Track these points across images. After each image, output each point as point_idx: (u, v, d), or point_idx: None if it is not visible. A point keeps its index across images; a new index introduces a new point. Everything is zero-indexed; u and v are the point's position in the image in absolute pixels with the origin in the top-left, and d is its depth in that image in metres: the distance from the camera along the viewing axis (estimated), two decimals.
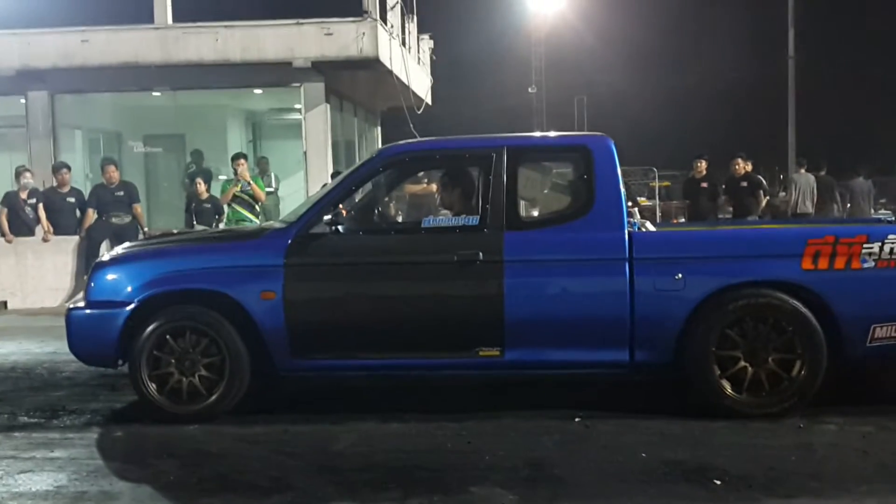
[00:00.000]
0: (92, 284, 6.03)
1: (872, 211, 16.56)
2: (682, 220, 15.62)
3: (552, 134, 7.79)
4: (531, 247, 5.74)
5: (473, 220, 5.89)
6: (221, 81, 15.18)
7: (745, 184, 13.62)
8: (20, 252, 12.05)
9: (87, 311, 5.97)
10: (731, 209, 13.99)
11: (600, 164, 5.84)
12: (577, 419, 5.67)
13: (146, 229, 12.53)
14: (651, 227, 6.90)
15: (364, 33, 14.17)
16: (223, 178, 14.66)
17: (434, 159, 6.63)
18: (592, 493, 4.46)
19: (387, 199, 6.66)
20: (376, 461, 5.01)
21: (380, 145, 20.63)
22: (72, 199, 12.40)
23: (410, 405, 6.12)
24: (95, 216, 12.27)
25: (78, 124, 16.79)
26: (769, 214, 14.95)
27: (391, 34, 15.60)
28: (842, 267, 5.50)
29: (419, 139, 7.53)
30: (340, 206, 5.97)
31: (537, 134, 6.89)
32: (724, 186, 13.95)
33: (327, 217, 5.83)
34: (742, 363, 5.57)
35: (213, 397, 5.81)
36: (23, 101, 15.28)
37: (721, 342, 5.57)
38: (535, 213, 6.53)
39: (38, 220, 12.21)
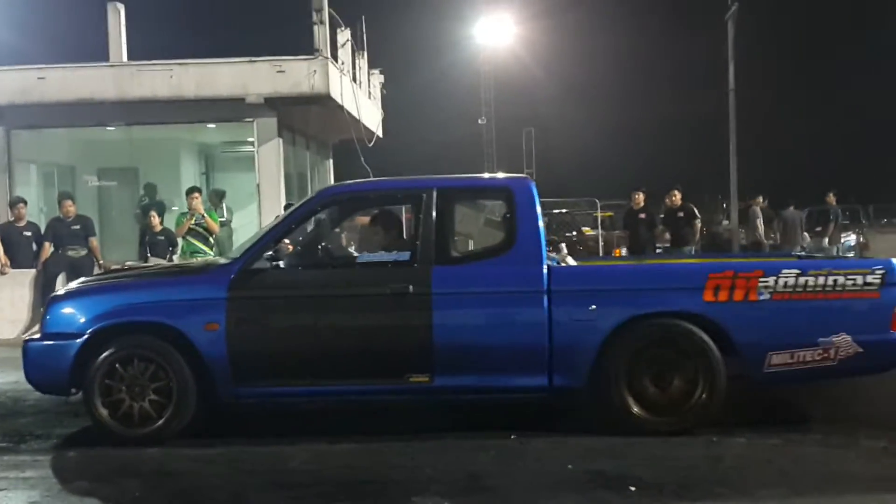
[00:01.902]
0: (47, 317, 6.44)
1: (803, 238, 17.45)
2: (623, 249, 16.24)
3: (479, 176, 8.33)
4: (458, 280, 6.24)
5: (405, 255, 6.39)
6: (176, 116, 15.48)
7: (681, 214, 14.30)
8: None
9: (43, 342, 6.37)
10: (668, 238, 14.65)
11: (521, 204, 6.37)
12: (512, 437, 6.15)
13: (101, 262, 12.79)
14: (572, 262, 7.41)
15: (315, 71, 14.62)
16: (176, 209, 15.01)
17: (369, 199, 7.13)
18: (521, 500, 4.96)
19: (326, 235, 7.11)
20: (326, 477, 5.45)
21: (332, 177, 21.12)
22: (28, 233, 12.61)
23: (359, 427, 6.57)
24: (52, 249, 12.49)
25: (33, 158, 16.95)
26: (706, 243, 15.66)
27: (342, 71, 16.10)
28: (740, 299, 6.06)
29: (356, 181, 8.01)
30: (283, 242, 6.45)
31: (465, 175, 7.42)
32: (661, 217, 14.65)
33: (268, 253, 6.28)
34: (649, 386, 6.08)
35: (162, 420, 6.18)
36: None
37: (630, 367, 6.08)
38: (463, 249, 7.04)
39: None
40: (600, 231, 19.45)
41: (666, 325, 6.12)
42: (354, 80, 18.29)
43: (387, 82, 22.93)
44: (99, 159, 18.01)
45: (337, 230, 8.12)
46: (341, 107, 15.95)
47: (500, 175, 7.94)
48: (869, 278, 6.06)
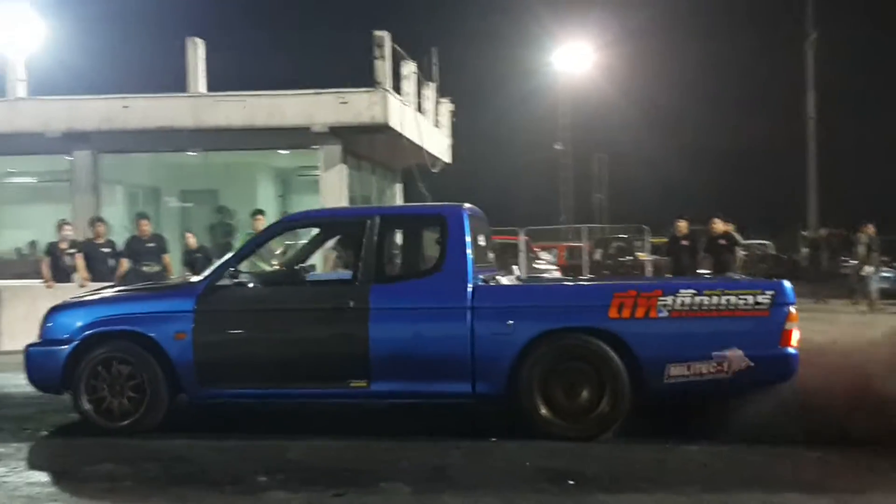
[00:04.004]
0: (45, 326, 7.44)
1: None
2: (669, 275, 16.64)
3: (415, 205, 9.15)
4: (393, 296, 6.98)
5: (348, 274, 7.17)
6: (248, 143, 16.65)
7: (722, 241, 14.66)
8: (60, 297, 13.39)
9: (40, 347, 7.38)
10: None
11: (453, 229, 7.07)
12: (493, 440, 6.81)
13: (173, 277, 13.91)
14: (504, 280, 7.94)
15: (375, 102, 15.61)
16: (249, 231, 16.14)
17: (322, 225, 8.08)
18: (471, 487, 5.67)
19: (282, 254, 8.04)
20: (315, 465, 6.25)
21: (399, 199, 22.07)
22: (107, 250, 13.77)
23: (358, 426, 7.36)
24: (129, 265, 13.66)
25: (119, 180, 18.43)
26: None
27: (403, 101, 17.02)
28: (642, 316, 6.62)
29: (315, 209, 8.97)
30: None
31: (403, 204, 8.37)
32: (704, 244, 15.03)
33: (231, 270, 7.15)
34: (560, 395, 6.65)
35: (138, 415, 7.07)
36: (69, 158, 16.89)
37: (543, 377, 6.66)
38: (399, 269, 7.76)
39: (75, 269, 13.63)
40: (648, 257, 19.87)
41: (574, 340, 6.72)
42: (420, 109, 19.24)
43: (465, 110, 23.88)
44: (181, 182, 19.42)
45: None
46: (401, 135, 16.87)
47: (436, 204, 8.72)
48: (759, 298, 6.56)
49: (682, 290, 6.64)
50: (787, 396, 7.00)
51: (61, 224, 13.96)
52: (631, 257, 20.72)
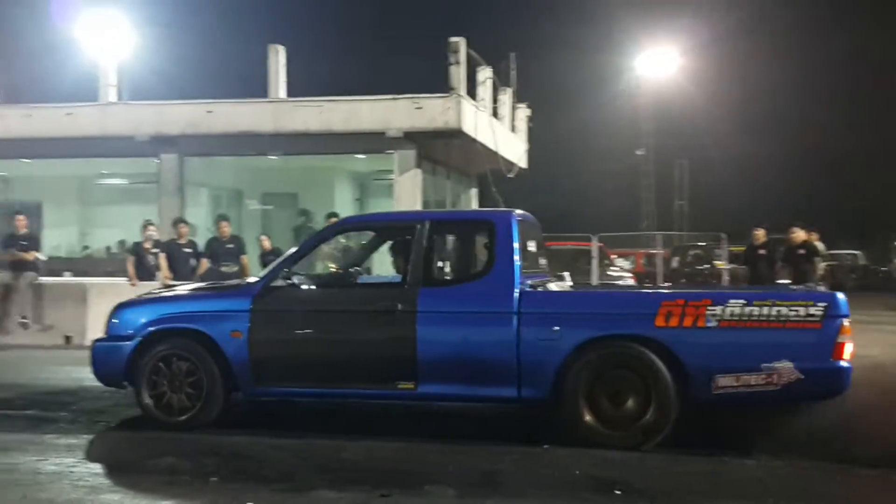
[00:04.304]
0: (110, 322, 7.72)
1: None
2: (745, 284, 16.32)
3: (465, 210, 9.16)
4: (440, 300, 7.04)
5: (398, 277, 7.23)
6: (325, 148, 16.99)
7: (802, 251, 14.32)
8: None
9: (105, 342, 7.67)
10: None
11: (501, 235, 7.09)
12: (545, 447, 6.81)
13: (251, 278, 14.26)
14: (553, 287, 7.84)
15: (449, 107, 15.72)
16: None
17: (375, 228, 8.20)
18: (516, 493, 5.68)
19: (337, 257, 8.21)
20: (367, 466, 6.36)
21: (475, 204, 22.15)
22: (189, 250, 14.23)
23: (416, 428, 7.45)
24: (208, 265, 14.08)
25: (204, 183, 19.00)
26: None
27: (478, 107, 17.10)
28: (689, 325, 6.52)
29: (366, 213, 9.17)
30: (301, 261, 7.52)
31: (453, 210, 8.43)
32: (783, 253, 14.69)
33: (285, 272, 7.29)
34: (605, 402, 6.63)
35: (195, 410, 7.29)
36: (156, 161, 17.49)
37: (588, 384, 6.65)
38: (447, 273, 7.79)
39: (159, 268, 14.12)
40: (725, 265, 19.48)
41: (620, 347, 6.67)
42: (496, 114, 19.29)
43: (546, 116, 23.83)
44: (263, 185, 19.91)
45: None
46: (475, 140, 16.95)
47: (485, 209, 8.75)
48: (812, 310, 6.39)
49: (731, 300, 6.54)
50: (852, 411, 6.86)
51: (146, 224, 14.48)
52: (708, 265, 20.36)
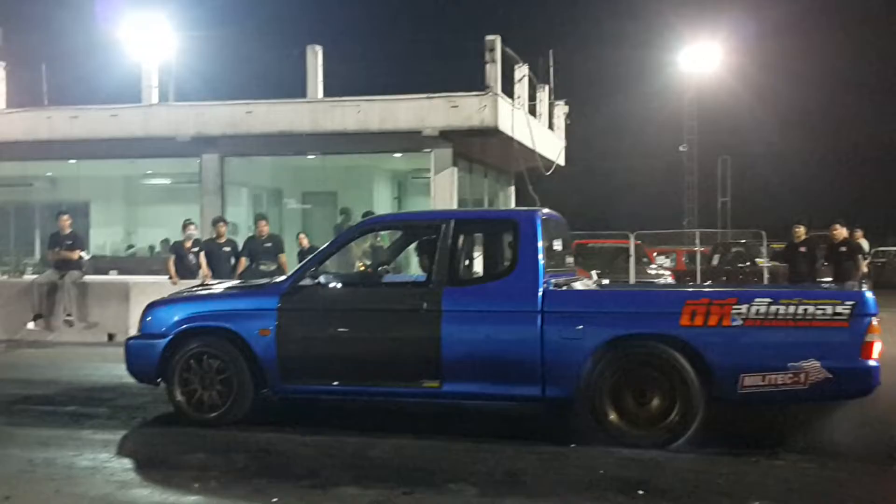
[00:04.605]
0: (143, 321, 7.87)
1: None
2: (786, 282, 16.12)
3: (489, 209, 9.14)
4: (464, 300, 7.05)
5: (422, 276, 7.26)
6: (363, 147, 17.11)
7: (843, 249, 14.10)
8: None
9: (139, 340, 7.83)
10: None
11: (525, 234, 7.08)
12: (572, 445, 6.82)
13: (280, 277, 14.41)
14: (578, 286, 7.76)
15: (485, 105, 15.75)
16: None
17: (400, 228, 8.26)
18: (539, 493, 5.70)
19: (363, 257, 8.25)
20: (393, 464, 6.41)
21: (513, 202, 22.14)
22: (227, 249, 14.42)
23: (445, 426, 7.51)
24: (247, 263, 14.26)
25: (244, 182, 19.25)
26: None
27: (514, 105, 17.09)
28: (715, 324, 6.46)
29: (390, 213, 9.21)
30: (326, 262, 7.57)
31: (477, 209, 8.42)
32: (824, 250, 14.47)
33: (312, 271, 7.36)
34: (630, 401, 6.60)
35: (225, 407, 7.41)
36: (198, 161, 17.76)
37: (613, 383, 6.63)
38: (472, 272, 7.80)
39: (199, 266, 14.33)
40: (766, 263, 19.26)
41: (645, 346, 6.64)
42: (533, 112, 19.26)
43: (587, 113, 23.74)
44: (303, 184, 20.10)
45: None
46: (512, 138, 16.94)
47: (510, 209, 8.73)
48: (839, 308, 6.30)
49: (757, 299, 6.48)
50: (886, 411, 6.77)
51: (186, 224, 14.69)
52: (749, 263, 20.14)
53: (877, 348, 6.37)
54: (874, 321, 6.36)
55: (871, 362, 6.35)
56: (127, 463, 6.55)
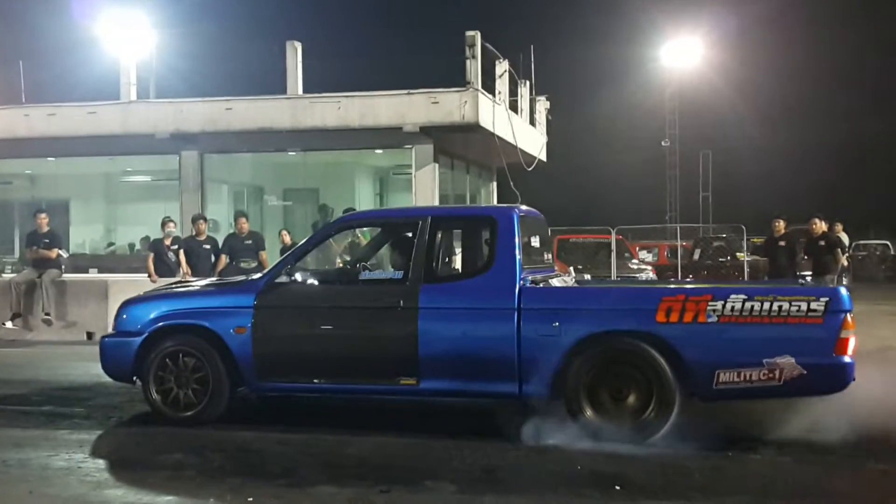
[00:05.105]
0: (118, 318, 7.81)
1: None
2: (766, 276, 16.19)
3: (466, 206, 9.10)
4: (441, 297, 7.03)
5: (399, 273, 7.23)
6: (343, 143, 17.06)
7: (822, 243, 14.17)
8: None
9: (114, 338, 7.76)
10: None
11: (502, 231, 7.06)
12: (549, 442, 6.78)
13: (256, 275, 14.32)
14: (555, 282, 7.76)
15: (466, 101, 15.73)
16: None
17: (377, 224, 8.25)
18: (516, 489, 5.68)
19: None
20: (372, 461, 6.38)
21: (494, 198, 22.13)
22: (207, 246, 14.28)
23: (426, 424, 7.47)
24: (227, 261, 14.17)
25: (224, 179, 19.15)
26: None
27: (495, 101, 17.07)
28: (690, 321, 6.47)
29: (366, 210, 9.15)
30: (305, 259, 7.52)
31: (454, 206, 8.36)
32: (803, 244, 14.54)
33: (288, 268, 7.33)
34: (607, 398, 6.62)
35: (201, 406, 7.36)
36: (177, 158, 17.64)
37: (589, 380, 6.64)
38: (449, 269, 7.77)
39: (178, 264, 14.24)
40: (747, 257, 19.34)
41: (621, 343, 6.64)
42: (514, 108, 19.25)
43: (568, 108, 23.75)
44: (284, 181, 20.01)
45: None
46: (493, 134, 16.92)
47: (487, 206, 8.71)
48: (813, 305, 6.32)
49: (732, 296, 6.49)
50: (861, 406, 6.79)
51: (165, 221, 14.60)
52: (730, 258, 20.22)
53: (851, 344, 6.38)
54: (849, 317, 6.38)
55: (846, 358, 6.36)
56: (102, 463, 6.49)
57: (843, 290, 6.51)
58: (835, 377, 6.39)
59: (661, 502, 5.43)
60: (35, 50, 27.19)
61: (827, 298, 6.39)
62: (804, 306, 6.37)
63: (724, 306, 6.47)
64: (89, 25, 21.68)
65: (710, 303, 6.50)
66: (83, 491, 5.72)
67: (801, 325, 6.36)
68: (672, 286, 7.95)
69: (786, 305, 6.38)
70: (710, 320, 6.48)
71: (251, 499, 5.51)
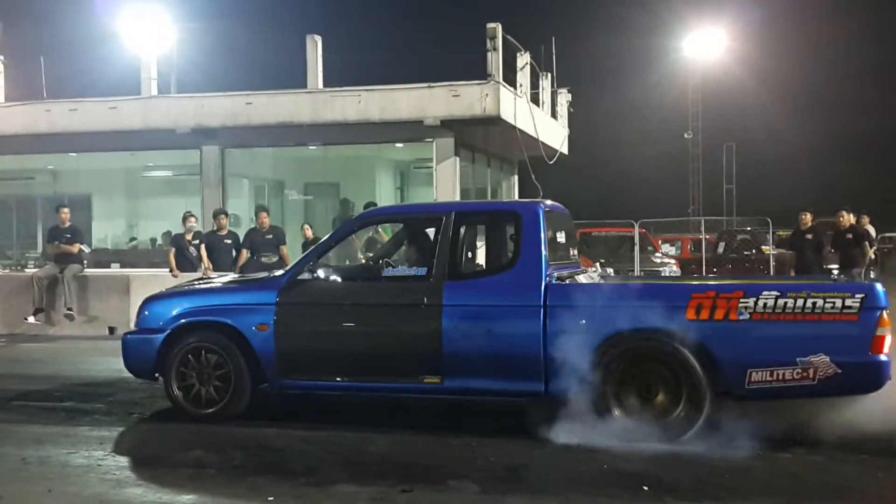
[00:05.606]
0: (140, 315, 7.76)
1: None
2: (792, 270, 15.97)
3: (491, 201, 8.94)
4: (466, 294, 6.91)
5: (422, 270, 7.11)
6: (364, 137, 16.94)
7: (850, 235, 13.94)
8: None
9: (136, 335, 7.71)
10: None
11: (527, 227, 6.93)
12: (575, 441, 6.65)
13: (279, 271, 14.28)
14: (582, 279, 7.57)
15: (487, 94, 15.57)
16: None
17: (399, 221, 8.11)
18: (540, 489, 5.56)
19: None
20: (394, 459, 6.30)
21: (516, 192, 21.98)
22: (229, 241, 14.26)
23: (448, 422, 7.37)
24: (248, 256, 14.13)
25: (245, 174, 19.11)
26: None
27: (516, 93, 16.92)
28: (721, 318, 6.31)
29: (389, 205, 9.03)
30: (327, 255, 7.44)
31: (478, 201, 8.20)
32: (831, 237, 14.32)
33: (310, 265, 7.23)
34: (635, 397, 6.48)
35: (223, 402, 7.31)
36: (198, 153, 17.62)
37: (617, 378, 6.50)
38: (473, 266, 7.63)
39: (200, 259, 14.22)
40: (772, 250, 19.09)
41: (650, 341, 6.49)
42: (536, 100, 19.08)
43: (591, 101, 23.51)
44: (305, 175, 19.94)
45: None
46: (514, 127, 16.78)
47: (512, 201, 8.54)
48: (848, 302, 6.15)
49: (764, 292, 6.33)
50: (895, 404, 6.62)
51: (186, 216, 14.59)
52: (755, 251, 19.99)
53: (888, 342, 6.21)
54: (885, 314, 6.20)
55: (882, 357, 6.19)
56: (122, 461, 6.44)
57: (880, 287, 6.33)
58: (871, 376, 6.23)
59: (690, 503, 5.30)
60: (56, 45, 27.31)
61: (863, 295, 6.22)
62: (839, 303, 6.20)
63: (756, 303, 6.32)
64: (110, 21, 21.69)
65: (741, 300, 6.34)
66: (103, 489, 5.67)
67: (836, 323, 6.20)
68: (702, 282, 7.76)
69: (820, 302, 6.22)
70: (741, 318, 6.33)
71: (272, 498, 5.44)
